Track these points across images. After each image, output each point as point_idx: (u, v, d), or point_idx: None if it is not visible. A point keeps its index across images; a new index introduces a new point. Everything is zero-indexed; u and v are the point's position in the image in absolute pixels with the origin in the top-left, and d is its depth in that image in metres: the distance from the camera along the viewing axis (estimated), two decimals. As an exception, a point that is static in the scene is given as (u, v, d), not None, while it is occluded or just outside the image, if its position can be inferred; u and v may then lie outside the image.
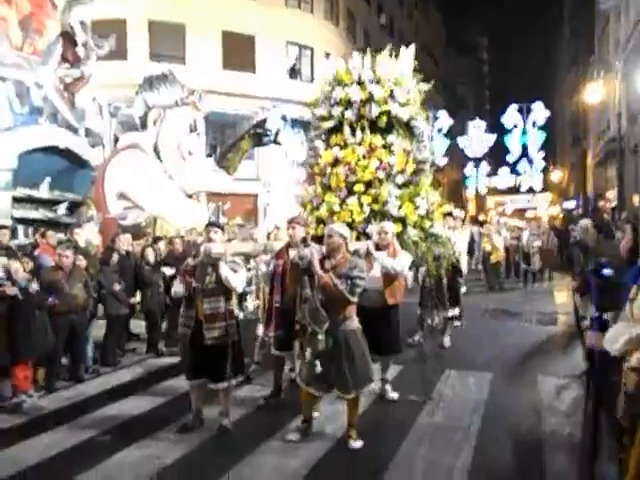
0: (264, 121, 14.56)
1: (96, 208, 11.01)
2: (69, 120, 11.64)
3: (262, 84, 20.88)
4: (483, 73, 63.25)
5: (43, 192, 10.85)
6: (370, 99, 6.23)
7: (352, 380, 4.13)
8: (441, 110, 27.88)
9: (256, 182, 20.28)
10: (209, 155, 15.64)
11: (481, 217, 29.12)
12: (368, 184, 6.09)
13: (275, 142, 14.49)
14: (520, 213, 38.94)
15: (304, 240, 4.56)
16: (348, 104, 6.32)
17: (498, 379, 5.93)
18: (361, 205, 6.00)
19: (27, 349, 5.33)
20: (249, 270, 9.12)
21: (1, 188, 9.96)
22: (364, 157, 6.16)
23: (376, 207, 6.00)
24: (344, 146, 6.26)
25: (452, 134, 29.17)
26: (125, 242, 7.27)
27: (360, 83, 6.31)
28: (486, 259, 13.64)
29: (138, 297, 7.47)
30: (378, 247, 5.17)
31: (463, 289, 8.39)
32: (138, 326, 7.84)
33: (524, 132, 30.45)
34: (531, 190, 36.23)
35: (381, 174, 6.06)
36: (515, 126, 30.29)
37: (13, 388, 5.30)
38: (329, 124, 6.48)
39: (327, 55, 6.98)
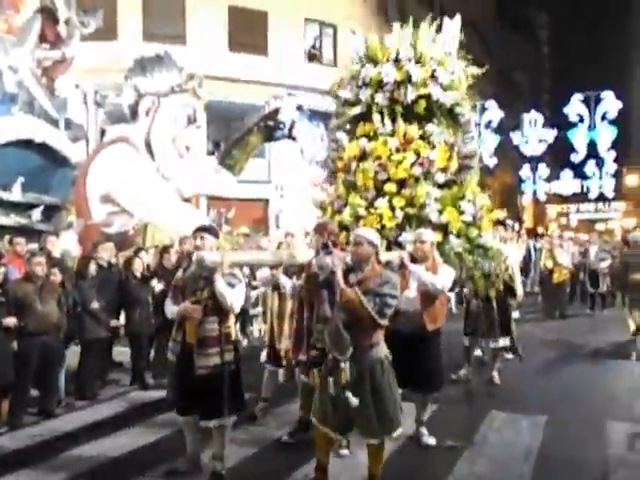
0: (276, 112, 14.67)
1: (76, 213, 11.16)
2: (47, 110, 11.85)
3: (275, 69, 21.05)
4: (542, 56, 62.89)
5: (15, 194, 11.01)
6: (407, 80, 6.15)
7: (379, 422, 3.97)
8: (489, 100, 27.77)
9: (267, 185, 20.39)
10: (211, 152, 15.82)
11: (540, 230, 28.81)
12: (401, 183, 6.01)
13: (289, 137, 14.59)
14: (588, 225, 38.44)
15: (325, 246, 4.53)
16: (379, 86, 6.24)
17: (555, 423, 5.82)
18: (392, 209, 5.92)
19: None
20: (254, 288, 9.14)
21: (-33, 189, 10.16)
22: (397, 150, 6.07)
23: (411, 211, 5.92)
24: (373, 137, 6.17)
25: (503, 129, 29.00)
26: (107, 252, 7.35)
27: (397, 61, 6.25)
28: (545, 279, 13.48)
29: (122, 318, 7.52)
30: (414, 259, 5.08)
31: (515, 314, 8.29)
32: (121, 353, 7.89)
33: (591, 127, 30.13)
34: (601, 197, 35.75)
35: (418, 171, 5.97)
36: (581, 120, 29.92)
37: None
38: (355, 110, 6.40)
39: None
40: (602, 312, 13.61)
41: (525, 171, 37.15)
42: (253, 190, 18.46)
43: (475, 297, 7.07)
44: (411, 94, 6.12)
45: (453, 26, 6.43)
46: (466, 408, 6.36)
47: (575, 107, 29.93)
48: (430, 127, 6.12)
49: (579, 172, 35.78)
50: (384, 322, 3.98)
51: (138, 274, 7.41)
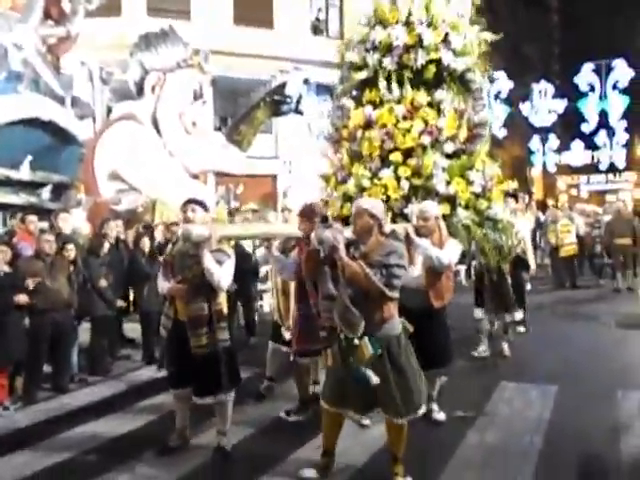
0: (283, 86, 14.52)
1: (85, 191, 11.17)
2: (53, 88, 11.77)
3: (281, 42, 20.80)
4: (552, 25, 61.84)
5: (24, 173, 11.00)
6: (417, 44, 5.95)
7: (402, 400, 3.78)
8: (499, 71, 27.38)
9: (275, 160, 20.30)
10: (218, 128, 15.71)
11: (550, 202, 28.58)
12: (408, 153, 5.84)
13: (296, 111, 14.47)
14: (598, 197, 38.02)
15: (325, 219, 4.44)
16: (388, 50, 6.04)
17: (565, 393, 5.81)
18: (398, 179, 5.75)
19: (2, 353, 5.45)
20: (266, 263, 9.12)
21: (-25, 168, 10.16)
22: (405, 118, 5.88)
23: (418, 182, 5.75)
24: (379, 104, 5.99)
25: (512, 100, 28.65)
26: (115, 229, 7.35)
27: (408, 24, 6.04)
28: (553, 251, 13.42)
29: (132, 295, 7.56)
30: (419, 234, 4.86)
31: (528, 286, 8.26)
32: (133, 329, 7.94)
33: (602, 97, 29.73)
34: (612, 168, 35.38)
35: (426, 140, 5.78)
36: (591, 89, 29.59)
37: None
38: (362, 75, 6.19)
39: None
40: (613, 283, 13.52)
41: (535, 142, 36.75)
42: (261, 166, 18.37)
43: (487, 271, 6.82)
44: (421, 59, 5.90)
45: None
46: (476, 379, 6.36)
47: (586, 76, 29.55)
48: (439, 94, 5.92)
49: (590, 143, 35.42)
50: (394, 294, 3.79)
51: (146, 250, 7.41)
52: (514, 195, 7.90)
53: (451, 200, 5.72)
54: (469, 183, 5.78)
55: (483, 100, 6.27)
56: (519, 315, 7.28)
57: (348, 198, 5.78)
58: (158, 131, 11.95)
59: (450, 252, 4.81)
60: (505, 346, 7.28)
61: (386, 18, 6.09)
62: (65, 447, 4.74)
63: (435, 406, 5.18)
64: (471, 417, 5.16)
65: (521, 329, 7.89)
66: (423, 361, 4.68)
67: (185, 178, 12.08)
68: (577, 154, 38.80)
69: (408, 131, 5.76)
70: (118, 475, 4.23)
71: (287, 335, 5.48)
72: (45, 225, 8.58)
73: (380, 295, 3.73)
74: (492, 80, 26.13)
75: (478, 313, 7.29)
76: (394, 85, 5.91)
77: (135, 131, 11.62)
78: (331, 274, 3.93)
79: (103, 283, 6.80)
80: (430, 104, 5.88)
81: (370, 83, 6.10)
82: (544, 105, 30.27)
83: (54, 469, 4.38)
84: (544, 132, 34.50)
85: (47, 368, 6.34)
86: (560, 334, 8.48)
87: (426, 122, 5.78)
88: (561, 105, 30.65)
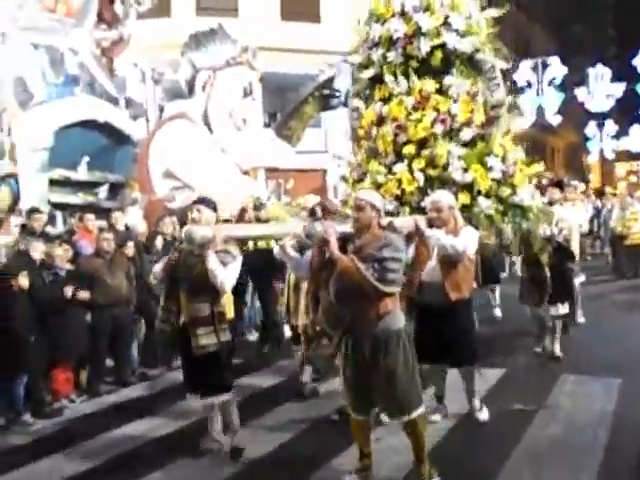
0: (331, 80, 14.50)
1: (140, 190, 11.42)
2: (108, 90, 12.09)
3: (328, 36, 20.75)
4: (606, 6, 59.79)
5: (82, 173, 11.35)
6: (418, 32, 5.78)
7: (394, 401, 3.65)
8: (552, 57, 26.65)
9: (324, 154, 20.30)
10: (267, 124, 15.81)
11: (608, 189, 27.70)
12: (422, 144, 5.64)
13: (345, 105, 14.37)
14: (660, 183, 36.62)
15: (312, 212, 4.20)
16: (391, 43, 5.91)
17: (630, 386, 5.62)
18: (412, 172, 5.55)
19: (65, 348, 5.64)
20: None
21: (37, 170, 10.51)
22: (415, 109, 5.70)
23: (433, 173, 5.54)
24: (390, 99, 5.85)
25: (567, 86, 27.85)
26: (170, 225, 7.50)
27: (403, 14, 5.89)
28: (616, 240, 12.97)
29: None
30: (432, 226, 4.49)
31: (581, 278, 7.78)
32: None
33: (663, 78, 28.57)
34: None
35: (439, 129, 5.57)
36: (651, 71, 28.46)
37: (53, 392, 5.63)
38: (369, 73, 6.10)
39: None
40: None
41: (591, 128, 35.61)
42: (311, 160, 18.42)
43: (525, 263, 6.44)
44: (425, 46, 5.73)
45: None
46: (535, 372, 6.23)
47: (645, 58, 28.37)
48: (448, 79, 5.72)
49: (650, 127, 34.13)
50: (389, 289, 3.56)
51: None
52: (558, 184, 7.23)
53: (470, 189, 5.47)
54: (488, 170, 5.51)
55: (497, 79, 5.97)
56: (564, 309, 6.57)
57: None
58: (209, 129, 12.12)
59: (465, 239, 4.51)
60: (557, 347, 6.63)
61: (381, 13, 5.99)
62: (127, 436, 4.94)
63: (477, 403, 4.91)
64: (532, 410, 5.05)
65: (573, 321, 7.27)
66: (445, 358, 4.60)
67: (236, 174, 12.22)
68: (637, 139, 37.41)
69: (420, 121, 5.59)
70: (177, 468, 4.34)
71: (287, 332, 5.39)
72: (103, 223, 8.83)
73: (374, 290, 3.51)
74: (545, 66, 25.52)
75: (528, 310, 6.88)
76: (400, 77, 5.77)
77: (187, 129, 11.81)
78: (322, 268, 3.69)
79: (153, 280, 6.92)
80: (440, 91, 5.70)
81: (378, 80, 6.01)
82: (601, 90, 29.27)
83: (114, 460, 4.53)
84: (601, 117, 33.41)
85: (110, 362, 6.55)
86: (622, 325, 8.22)
87: (438, 110, 5.59)
88: (619, 89, 29.59)
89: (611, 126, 35.70)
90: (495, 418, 4.94)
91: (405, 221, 4.17)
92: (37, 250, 5.59)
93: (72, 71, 11.54)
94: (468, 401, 4.93)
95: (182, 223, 8.81)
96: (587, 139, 38.26)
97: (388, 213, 5.42)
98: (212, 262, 4.09)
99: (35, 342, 5.36)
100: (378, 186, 5.65)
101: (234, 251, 4.29)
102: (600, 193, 21.04)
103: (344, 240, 3.67)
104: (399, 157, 5.68)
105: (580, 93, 29.84)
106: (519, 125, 26.04)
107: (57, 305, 5.55)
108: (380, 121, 5.87)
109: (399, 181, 5.57)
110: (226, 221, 8.46)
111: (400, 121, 5.67)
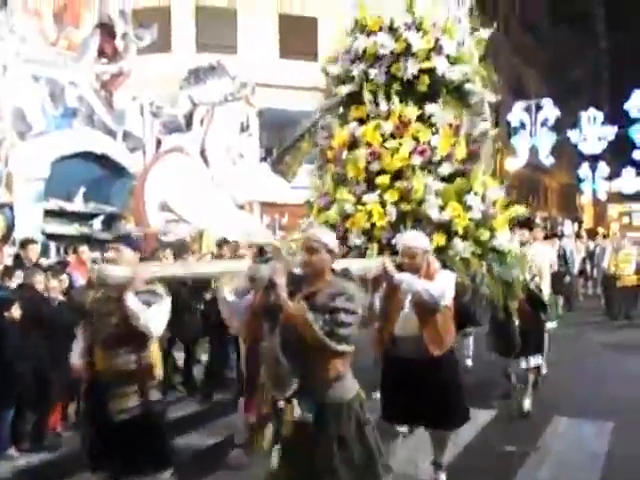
0: (328, 117, 14.71)
1: (135, 222, 11.45)
2: (106, 122, 12.24)
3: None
4: (599, 51, 61.12)
5: (77, 204, 11.41)
6: (407, 51, 5.35)
7: None
8: (545, 99, 27.16)
9: (319, 190, 20.47)
10: (263, 159, 15.98)
11: (601, 230, 27.91)
12: (397, 175, 5.18)
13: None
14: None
15: (260, 252, 3.85)
16: (375, 59, 5.44)
17: (623, 429, 5.60)
18: (384, 204, 5.11)
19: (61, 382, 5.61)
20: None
21: (32, 199, 10.56)
22: (392, 136, 5.24)
23: (407, 207, 5.08)
24: (367, 121, 5.39)
25: (561, 128, 28.32)
26: (164, 259, 7.51)
27: (392, 29, 5.44)
28: (608, 281, 12.99)
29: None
30: (402, 271, 3.97)
31: (551, 325, 7.20)
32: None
33: (654, 123, 29.06)
34: (666, 195, 34.42)
35: (417, 160, 5.13)
36: (643, 115, 28.97)
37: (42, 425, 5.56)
38: (345, 89, 5.57)
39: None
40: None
41: (584, 170, 36.14)
42: (306, 195, 18.53)
43: (492, 310, 5.76)
44: (412, 68, 5.30)
45: None
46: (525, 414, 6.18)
47: (636, 102, 28.95)
48: (431, 108, 5.28)
49: (642, 170, 34.59)
50: (342, 347, 2.95)
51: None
52: (526, 224, 6.59)
53: (446, 229, 5.04)
54: (467, 209, 5.10)
55: (485, 115, 5.61)
56: (535, 361, 6.08)
57: (330, 227, 4.99)
58: (206, 162, 12.25)
59: (442, 284, 3.96)
60: (526, 400, 6.02)
61: (368, 24, 5.48)
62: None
63: (444, 476, 4.23)
64: (522, 453, 5.01)
65: (544, 371, 6.94)
66: (426, 420, 4.05)
67: (232, 208, 12.30)
68: (629, 181, 37.95)
69: (397, 151, 5.16)
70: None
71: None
72: (96, 255, 8.84)
73: (322, 348, 2.90)
74: (539, 108, 25.92)
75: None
76: (381, 98, 5.28)
77: (183, 163, 11.93)
78: (267, 320, 3.08)
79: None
80: (421, 118, 5.28)
81: (356, 98, 5.51)
82: (593, 132, 29.74)
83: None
84: (593, 159, 33.89)
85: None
86: (613, 367, 8.21)
87: (417, 140, 5.20)
88: (611, 132, 30.10)
89: (603, 168, 36.20)
90: (482, 461, 4.87)
91: (371, 264, 3.81)
92: (41, 282, 5.59)
93: (71, 104, 11.70)
94: (434, 474, 4.24)
95: (177, 255, 8.86)
96: (580, 180, 38.74)
97: (355, 247, 5.17)
98: (132, 303, 3.39)
99: (27, 375, 5.30)
100: (346, 217, 5.23)
101: (160, 290, 3.61)
102: (593, 234, 21.18)
103: (298, 282, 3.10)
104: (371, 187, 5.22)
105: (573, 135, 30.31)
106: (513, 165, 26.40)
107: (71, 334, 5.53)
108: (352, 144, 5.39)
109: (369, 213, 5.11)
110: (219, 255, 8.47)
111: (374, 148, 5.21)
